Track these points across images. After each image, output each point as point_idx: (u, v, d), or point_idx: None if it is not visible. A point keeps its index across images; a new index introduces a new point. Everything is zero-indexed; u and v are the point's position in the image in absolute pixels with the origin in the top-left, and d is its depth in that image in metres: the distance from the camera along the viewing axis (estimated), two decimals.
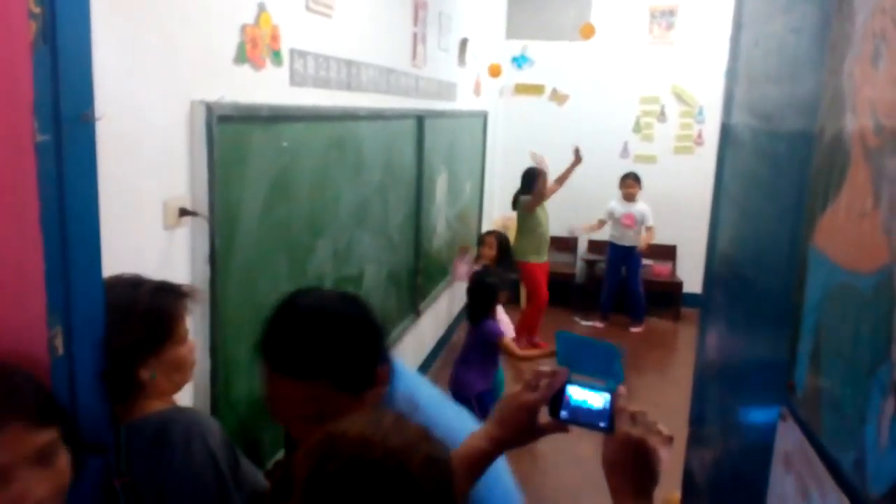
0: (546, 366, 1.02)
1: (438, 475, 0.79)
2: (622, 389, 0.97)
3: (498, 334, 3.72)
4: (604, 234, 7.17)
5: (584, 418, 0.99)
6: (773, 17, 1.06)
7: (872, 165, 0.60)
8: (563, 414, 0.99)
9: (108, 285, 1.34)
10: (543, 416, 1.02)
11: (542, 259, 5.83)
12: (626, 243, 6.51)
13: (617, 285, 6.62)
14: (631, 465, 0.93)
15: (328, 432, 0.80)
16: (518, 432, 1.01)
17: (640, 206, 6.45)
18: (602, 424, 0.97)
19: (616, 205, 6.52)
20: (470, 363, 3.78)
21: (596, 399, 0.98)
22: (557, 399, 1.00)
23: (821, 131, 0.75)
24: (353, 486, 0.75)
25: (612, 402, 0.97)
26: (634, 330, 6.53)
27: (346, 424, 0.80)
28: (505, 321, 4.32)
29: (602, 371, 1.00)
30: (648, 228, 6.42)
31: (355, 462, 0.76)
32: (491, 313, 3.78)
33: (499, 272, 4.09)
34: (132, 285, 1.36)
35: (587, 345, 1.04)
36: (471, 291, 3.85)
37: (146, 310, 1.33)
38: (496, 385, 3.88)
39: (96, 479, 1.25)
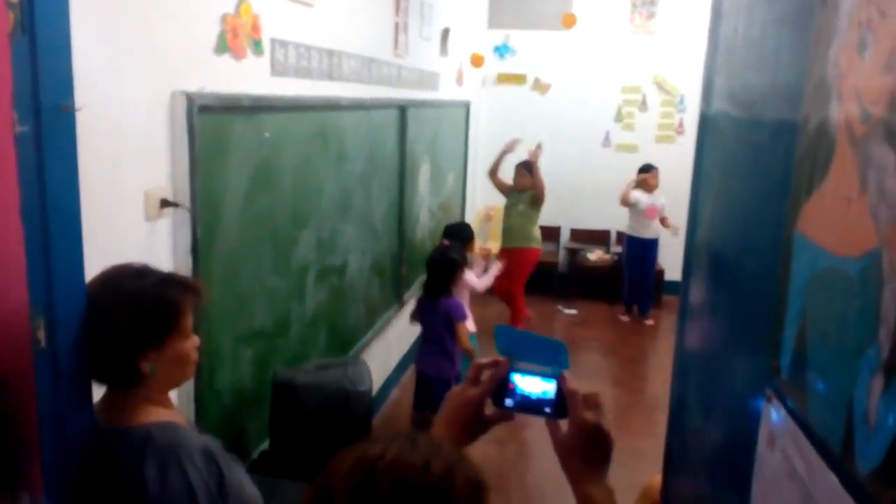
0: (486, 357, 1.02)
1: (478, 496, 0.78)
2: (567, 374, 0.98)
3: (457, 318, 3.70)
4: (594, 224, 7.20)
5: (531, 405, 0.99)
6: (753, 7, 1.07)
7: (859, 152, 0.60)
8: (508, 402, 1.00)
9: (113, 274, 1.33)
10: (490, 407, 1.02)
11: (504, 244, 5.77)
12: (649, 235, 6.37)
13: (638, 276, 6.48)
14: (588, 449, 0.94)
15: (363, 456, 0.77)
16: (466, 428, 1.00)
17: (663, 199, 6.31)
18: (547, 410, 0.98)
19: (640, 195, 6.34)
20: (435, 342, 3.77)
21: (541, 385, 0.99)
22: (501, 389, 1.00)
23: (805, 119, 0.76)
24: None
25: (559, 387, 0.98)
26: (647, 322, 6.47)
27: (380, 447, 0.78)
28: (474, 281, 4.34)
29: (547, 361, 1.00)
30: (663, 220, 6.30)
31: (399, 489, 0.74)
32: (450, 289, 3.78)
33: (458, 248, 4.07)
34: (139, 275, 1.33)
35: (529, 339, 1.05)
36: (433, 264, 3.81)
37: (153, 301, 1.30)
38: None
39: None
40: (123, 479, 1.24)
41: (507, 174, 5.82)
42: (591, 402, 0.96)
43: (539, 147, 5.64)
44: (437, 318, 3.74)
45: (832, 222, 0.65)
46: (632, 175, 6.43)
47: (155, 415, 1.32)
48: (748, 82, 1.10)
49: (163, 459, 1.24)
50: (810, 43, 0.78)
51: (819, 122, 0.72)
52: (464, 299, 4.07)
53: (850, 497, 0.56)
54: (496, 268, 4.75)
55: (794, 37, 0.89)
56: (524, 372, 1.00)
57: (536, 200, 5.64)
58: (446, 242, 4.21)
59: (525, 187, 5.64)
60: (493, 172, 5.84)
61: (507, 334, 1.03)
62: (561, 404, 0.97)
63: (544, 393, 0.99)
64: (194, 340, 1.39)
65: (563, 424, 0.99)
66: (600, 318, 6.60)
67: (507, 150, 5.76)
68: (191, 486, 1.24)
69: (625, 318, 6.56)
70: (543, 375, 0.99)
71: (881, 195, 0.55)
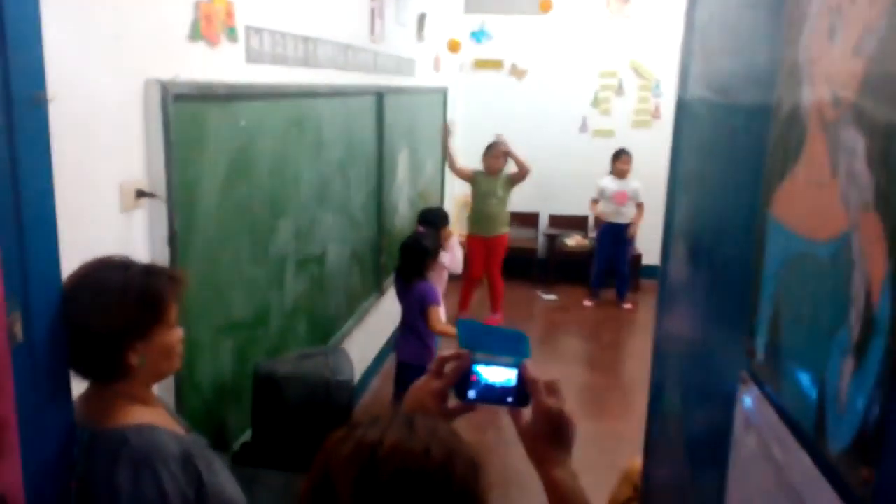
0: (448, 350, 1.04)
1: (476, 476, 0.80)
2: (529, 363, 1.00)
3: (429, 302, 3.71)
4: (572, 209, 7.22)
5: (494, 396, 1.01)
6: None
7: (830, 137, 0.62)
8: (471, 394, 1.01)
9: (96, 267, 1.31)
10: (454, 400, 1.03)
11: (481, 233, 5.76)
12: (620, 220, 6.36)
13: (607, 262, 6.50)
14: (552, 434, 0.97)
15: (362, 441, 0.78)
16: None
17: (634, 184, 6.32)
18: (510, 400, 1.00)
19: (608, 182, 6.38)
20: (411, 328, 3.79)
21: (503, 375, 1.01)
22: (463, 381, 1.01)
23: (778, 104, 0.77)
24: (405, 499, 0.75)
25: (520, 377, 1.00)
26: (625, 306, 6.49)
27: (378, 432, 0.79)
28: (458, 256, 4.37)
29: (508, 351, 1.02)
30: (639, 205, 6.30)
31: (402, 476, 0.75)
32: (422, 274, 3.79)
33: (432, 235, 4.09)
34: (122, 267, 1.32)
35: (491, 331, 1.07)
36: (406, 250, 3.83)
37: (139, 291, 1.29)
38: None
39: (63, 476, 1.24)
40: (97, 483, 1.23)
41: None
42: (552, 388, 0.98)
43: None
44: (411, 303, 3.76)
45: (804, 206, 0.66)
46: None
47: (134, 415, 1.30)
48: (723, 67, 1.11)
49: (137, 465, 1.22)
50: (782, 25, 0.79)
51: (791, 107, 0.73)
52: (439, 285, 4.10)
53: (823, 477, 0.57)
54: (456, 245, 4.76)
55: (768, 21, 0.90)
56: (487, 363, 1.02)
57: (514, 182, 5.68)
58: (421, 229, 4.22)
59: (497, 170, 5.64)
60: (453, 164, 5.80)
61: (469, 327, 1.05)
62: (523, 393, 0.99)
63: (507, 382, 1.01)
64: (179, 332, 1.38)
65: (526, 413, 1.00)
66: (580, 302, 6.64)
67: (447, 137, 5.77)
68: (164, 493, 1.22)
69: (588, 304, 6.58)
70: (506, 366, 1.01)
71: (851, 179, 0.56)
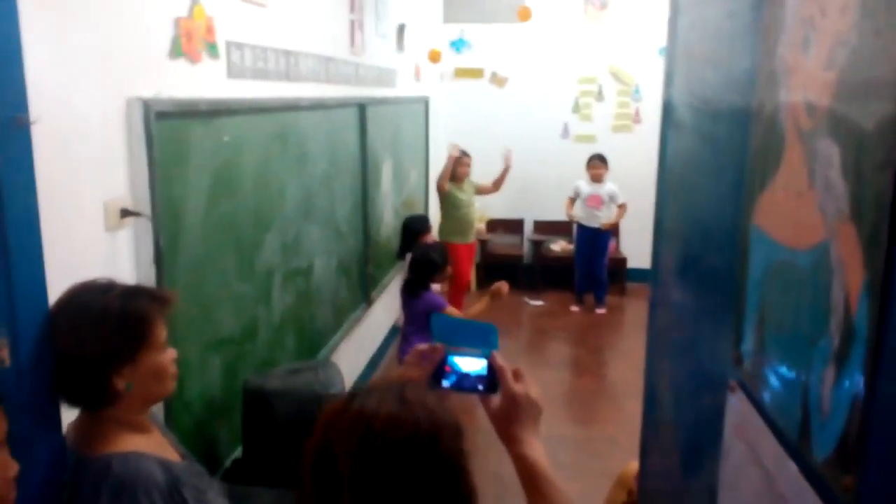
0: (424, 345, 1.15)
1: (459, 439, 0.89)
2: (496, 353, 1.11)
3: (442, 305, 3.81)
4: (557, 215, 7.24)
5: (466, 384, 1.12)
6: (708, 1, 1.10)
7: (806, 147, 0.63)
8: (446, 383, 1.12)
9: (77, 291, 1.28)
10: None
11: (466, 240, 5.83)
12: (594, 224, 6.41)
13: (587, 265, 6.54)
14: (520, 416, 1.06)
15: (360, 414, 0.86)
16: None
17: (608, 187, 6.38)
18: (480, 387, 1.11)
19: (583, 184, 6.45)
20: (420, 339, 3.81)
21: (475, 364, 1.12)
22: (437, 372, 1.12)
23: (757, 113, 0.78)
24: (397, 465, 0.84)
25: (490, 366, 1.11)
26: (599, 311, 6.52)
27: (374, 403, 0.88)
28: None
29: (479, 345, 1.13)
30: (620, 206, 6.36)
31: (395, 446, 0.84)
32: (428, 286, 3.84)
33: (440, 248, 4.14)
34: (103, 290, 1.29)
35: (463, 324, 1.23)
36: (415, 263, 3.90)
37: (119, 314, 1.25)
38: None
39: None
40: (83, 501, 1.21)
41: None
42: (518, 375, 1.09)
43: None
44: (419, 314, 3.82)
45: (784, 215, 0.67)
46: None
47: (122, 443, 1.27)
48: (705, 76, 1.12)
49: (118, 494, 1.20)
50: (760, 36, 0.80)
51: (770, 117, 0.74)
52: (439, 291, 4.17)
53: (809, 484, 0.58)
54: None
55: (747, 31, 0.92)
56: (460, 354, 1.13)
57: (481, 192, 5.95)
58: (428, 241, 4.30)
59: (465, 177, 5.75)
60: (445, 181, 5.72)
61: (443, 322, 1.17)
62: (492, 381, 1.10)
63: (478, 371, 1.12)
64: (171, 353, 1.34)
65: (495, 400, 1.10)
66: (567, 308, 6.66)
67: (454, 156, 5.78)
68: None
69: (575, 309, 6.60)
70: (476, 356, 1.13)
71: (827, 189, 0.57)
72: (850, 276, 0.52)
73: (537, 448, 1.05)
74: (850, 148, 0.54)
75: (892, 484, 0.48)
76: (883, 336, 0.48)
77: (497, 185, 6.04)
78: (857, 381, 0.50)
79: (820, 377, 0.56)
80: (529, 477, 1.02)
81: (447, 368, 1.12)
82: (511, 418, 1.06)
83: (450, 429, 0.89)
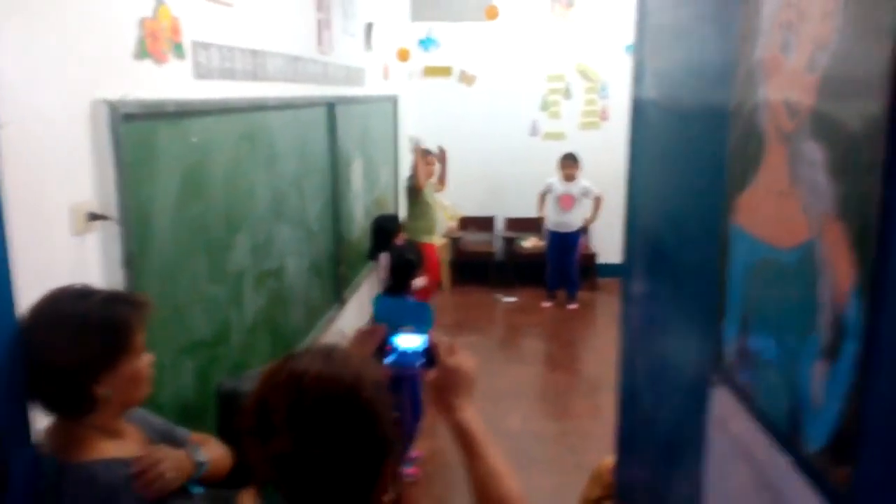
0: (365, 325, 1.23)
1: (380, 392, 0.98)
2: (432, 332, 1.22)
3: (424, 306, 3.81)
4: (527, 212, 7.28)
5: (407, 360, 1.22)
6: (677, 4, 1.11)
7: (788, 148, 0.64)
8: (388, 361, 1.21)
9: (54, 298, 1.25)
10: None
11: (434, 239, 5.83)
12: (564, 230, 6.44)
13: (558, 264, 6.57)
14: (455, 386, 1.16)
15: (292, 371, 0.96)
16: None
17: (580, 184, 6.39)
18: (419, 363, 1.20)
19: (556, 182, 6.45)
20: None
21: (413, 341, 1.22)
22: (379, 351, 1.22)
23: (735, 115, 0.79)
24: (325, 417, 0.93)
25: (428, 343, 1.20)
26: (570, 307, 6.55)
27: (306, 363, 0.97)
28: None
29: (415, 321, 1.24)
30: (595, 199, 6.37)
31: (322, 400, 0.94)
32: (407, 287, 3.83)
33: (414, 248, 4.15)
34: (81, 296, 1.26)
35: (400, 304, 1.38)
36: (395, 269, 3.88)
37: (100, 322, 1.23)
38: None
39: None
40: None
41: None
42: (451, 350, 1.19)
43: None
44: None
45: (766, 215, 0.68)
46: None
47: (103, 450, 1.26)
48: (675, 77, 1.14)
49: (107, 501, 1.19)
50: (734, 39, 0.81)
51: (748, 118, 0.75)
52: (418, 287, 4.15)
53: (801, 475, 0.59)
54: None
55: (715, 33, 0.93)
56: (399, 333, 1.23)
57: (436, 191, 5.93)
58: (401, 241, 4.29)
59: (429, 176, 5.72)
60: (422, 182, 5.61)
61: (383, 303, 1.27)
62: (430, 356, 1.20)
63: (417, 347, 1.21)
64: (147, 358, 1.33)
65: (433, 374, 1.18)
66: (539, 304, 6.70)
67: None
68: None
69: (547, 305, 6.63)
70: (414, 334, 1.23)
71: (812, 189, 0.58)
72: (839, 274, 0.53)
73: (471, 414, 1.14)
74: (835, 149, 0.54)
75: (887, 474, 0.49)
76: (877, 332, 0.49)
77: (442, 181, 6.03)
78: (851, 376, 0.51)
79: (810, 372, 0.57)
80: (465, 440, 1.11)
81: (388, 348, 1.22)
82: (446, 388, 1.15)
83: (369, 382, 0.97)
